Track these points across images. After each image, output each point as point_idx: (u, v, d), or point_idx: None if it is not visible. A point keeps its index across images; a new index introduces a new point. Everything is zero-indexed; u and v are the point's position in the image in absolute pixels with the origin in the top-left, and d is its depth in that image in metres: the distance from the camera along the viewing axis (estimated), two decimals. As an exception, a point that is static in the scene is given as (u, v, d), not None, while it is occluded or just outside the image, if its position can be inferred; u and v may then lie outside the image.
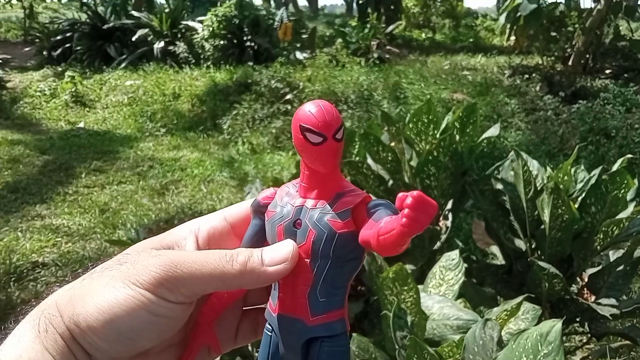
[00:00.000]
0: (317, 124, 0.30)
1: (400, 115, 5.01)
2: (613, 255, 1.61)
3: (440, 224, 1.61)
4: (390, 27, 8.52)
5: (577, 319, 1.52)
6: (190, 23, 8.28)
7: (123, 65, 7.70)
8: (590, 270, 1.52)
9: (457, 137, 1.38)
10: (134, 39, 8.11)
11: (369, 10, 9.11)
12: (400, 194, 0.26)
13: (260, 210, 0.36)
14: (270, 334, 0.34)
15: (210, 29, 7.56)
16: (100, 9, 9.92)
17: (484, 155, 3.39)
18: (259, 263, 0.32)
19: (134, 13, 9.02)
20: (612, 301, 1.35)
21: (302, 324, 0.32)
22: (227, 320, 0.38)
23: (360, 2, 10.52)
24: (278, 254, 0.32)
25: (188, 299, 0.32)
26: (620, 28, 7.65)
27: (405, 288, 1.17)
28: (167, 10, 8.49)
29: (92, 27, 8.53)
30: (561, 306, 1.49)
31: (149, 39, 8.15)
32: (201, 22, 7.93)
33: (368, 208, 0.32)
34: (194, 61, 7.79)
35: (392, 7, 10.31)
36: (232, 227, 0.38)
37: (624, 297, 1.58)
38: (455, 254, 1.28)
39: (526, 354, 0.78)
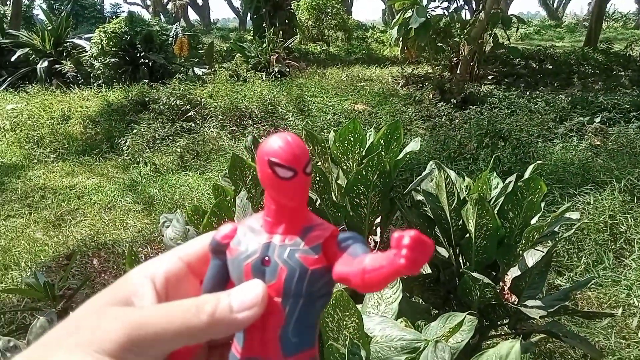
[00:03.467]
0: (287, 158, 0.29)
1: (307, 128, 5.04)
2: (527, 256, 1.70)
3: (370, 239, 1.60)
4: (289, 41, 8.58)
5: (505, 322, 1.57)
6: (77, 41, 7.80)
7: (2, 87, 7.06)
8: (513, 273, 1.58)
9: (383, 154, 1.37)
10: (13, 59, 7.48)
11: (264, 24, 9.12)
12: (396, 234, 0.25)
13: (220, 249, 0.33)
14: None
15: (100, 46, 7.15)
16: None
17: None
18: (227, 310, 0.30)
19: (12, 32, 8.31)
20: (538, 302, 1.41)
21: None
22: None
23: (255, 16, 10.50)
24: (247, 297, 0.30)
25: (156, 359, 0.29)
26: (498, 36, 8.29)
27: (347, 314, 1.14)
28: (49, 27, 7.90)
29: (-37, 47, 7.76)
30: (489, 311, 1.53)
31: (31, 58, 7.55)
32: (89, 39, 7.48)
33: (338, 242, 0.31)
34: (82, 80, 7.32)
35: (287, 21, 10.39)
36: (189, 267, 0.35)
37: (540, 295, 1.67)
38: (391, 272, 1.27)
39: (487, 375, 0.77)
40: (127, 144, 5.21)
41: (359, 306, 1.23)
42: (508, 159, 3.91)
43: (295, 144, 0.29)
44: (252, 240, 0.32)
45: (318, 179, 1.39)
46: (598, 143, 4.32)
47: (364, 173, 1.31)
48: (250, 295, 0.30)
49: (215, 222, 1.36)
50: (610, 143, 4.21)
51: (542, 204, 1.56)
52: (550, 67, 8.89)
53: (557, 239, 1.55)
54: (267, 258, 0.31)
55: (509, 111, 5.38)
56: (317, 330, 0.32)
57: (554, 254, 2.66)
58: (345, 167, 1.43)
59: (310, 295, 0.30)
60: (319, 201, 1.48)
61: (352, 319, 1.13)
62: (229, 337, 0.33)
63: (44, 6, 15.46)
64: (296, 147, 0.29)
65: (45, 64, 7.51)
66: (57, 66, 7.50)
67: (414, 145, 1.54)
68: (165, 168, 4.63)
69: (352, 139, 1.37)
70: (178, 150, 4.88)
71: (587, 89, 7.10)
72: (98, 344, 0.27)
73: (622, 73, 8.20)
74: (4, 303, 2.54)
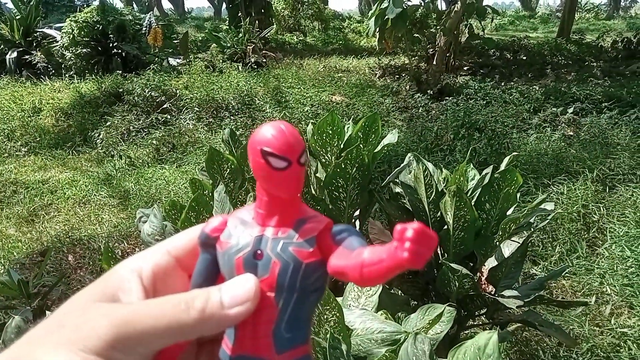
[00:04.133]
0: (281, 148, 0.28)
1: (285, 119, 5.02)
2: (503, 246, 1.72)
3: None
4: (265, 31, 8.50)
5: (483, 312, 1.60)
6: (47, 30, 7.60)
7: (-31, 79, 6.85)
8: (489, 264, 1.61)
9: (362, 146, 1.37)
10: (-21, 49, 7.27)
11: (240, 14, 9.02)
12: (398, 226, 0.24)
13: (209, 243, 0.32)
14: None
15: (71, 36, 6.98)
16: None
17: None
18: (218, 306, 0.29)
19: (-22, 21, 8.07)
20: (514, 292, 1.43)
21: None
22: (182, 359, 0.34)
23: (231, 5, 10.38)
24: (239, 292, 0.29)
25: (144, 357, 0.28)
26: (474, 27, 8.35)
27: (328, 307, 1.14)
28: (18, 17, 7.68)
29: None
30: (467, 301, 1.55)
31: (-1, 48, 7.34)
32: (59, 29, 7.30)
33: (333, 234, 0.30)
34: (53, 71, 7.15)
35: (262, 10, 10.30)
36: (177, 261, 0.33)
37: (516, 284, 1.70)
38: (371, 265, 1.27)
39: (466, 367, 0.78)
40: (100, 136, 5.12)
41: (339, 299, 1.24)
42: (484, 150, 3.96)
43: (289, 132, 0.28)
44: (243, 233, 0.31)
45: (297, 172, 1.38)
46: (571, 133, 4.40)
47: (343, 166, 1.31)
48: (242, 290, 0.29)
49: (193, 217, 1.35)
50: (582, 133, 4.29)
51: (518, 195, 1.59)
52: (524, 58, 9.00)
53: (532, 230, 1.58)
54: (259, 251, 0.30)
55: (485, 102, 5.43)
56: (310, 326, 0.31)
57: (529, 244, 2.71)
58: (323, 160, 1.43)
59: (304, 290, 0.29)
60: (298, 195, 1.48)
61: (333, 312, 1.13)
62: (219, 333, 0.32)
63: (12, -6, 14.99)
64: (290, 136, 0.28)
65: (15, 54, 7.32)
66: (26, 57, 7.32)
67: (391, 137, 1.54)
68: (140, 161, 4.56)
69: (330, 131, 1.37)
70: (154, 142, 4.81)
71: (560, 79, 7.21)
72: (83, 341, 0.26)
73: (594, 64, 8.36)
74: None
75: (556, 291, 2.39)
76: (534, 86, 6.30)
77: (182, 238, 0.34)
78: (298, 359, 0.30)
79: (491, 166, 1.56)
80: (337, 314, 1.13)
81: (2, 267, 2.76)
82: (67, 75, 7.03)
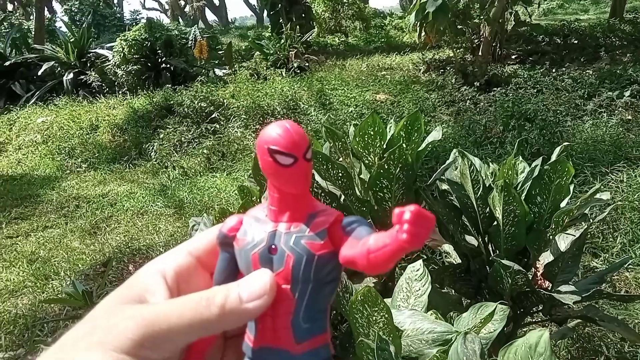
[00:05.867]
0: (287, 145, 0.29)
1: (330, 122, 5.03)
2: (559, 240, 1.66)
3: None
4: (306, 36, 8.56)
5: (539, 308, 1.55)
6: (99, 50, 7.96)
7: (32, 101, 7.28)
8: (545, 259, 1.56)
9: (405, 145, 1.36)
10: (39, 73, 7.70)
11: (281, 20, 9.12)
12: (396, 210, 0.25)
13: (227, 242, 0.33)
14: None
15: (122, 54, 7.27)
16: (-2, 45, 9.32)
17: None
18: (237, 301, 0.30)
19: (37, 46, 8.53)
20: (572, 287, 1.39)
21: (286, 354, 0.31)
22: (210, 355, 0.36)
23: (272, 12, 10.50)
24: (256, 286, 0.30)
25: (172, 353, 0.30)
26: (520, 14, 8.10)
27: (376, 309, 1.14)
28: (72, 40, 8.08)
29: (-9, 65, 8.01)
30: (522, 298, 1.51)
31: (57, 71, 7.74)
32: (111, 48, 7.62)
33: (343, 226, 0.31)
34: (107, 89, 7.47)
35: (303, 15, 10.36)
36: (198, 261, 0.35)
37: (575, 278, 1.64)
38: (419, 264, 1.27)
39: (518, 366, 0.77)
40: (154, 149, 5.31)
41: (387, 300, 1.23)
42: (536, 141, 3.83)
43: (294, 130, 0.30)
44: (258, 229, 0.32)
45: (341, 174, 1.39)
46: (629, 118, 4.19)
47: (386, 167, 1.30)
48: (259, 284, 0.30)
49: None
50: (642, 117, 4.08)
51: (572, 186, 1.53)
52: (576, 41, 8.63)
53: (590, 221, 1.52)
54: (273, 246, 0.31)
55: (535, 91, 5.26)
56: (328, 316, 0.32)
57: (588, 235, 2.60)
58: (367, 162, 1.43)
59: (319, 281, 0.31)
60: (342, 197, 1.48)
61: (382, 313, 1.13)
62: (243, 327, 0.34)
63: (66, 19, 15.80)
64: (295, 133, 0.30)
65: (71, 75, 7.70)
66: (82, 77, 7.69)
67: (435, 134, 1.53)
68: (193, 171, 4.70)
69: (372, 132, 1.37)
70: (204, 152, 4.94)
71: (615, 62, 6.87)
72: (114, 342, 0.28)
73: (652, 42, 7.92)
74: (47, 312, 2.63)
75: (619, 284, 2.29)
76: (587, 70, 6.04)
77: (202, 239, 0.36)
78: (317, 347, 0.31)
79: (540, 157, 1.51)
80: (386, 315, 1.13)
81: (69, 279, 2.90)
82: (120, 92, 7.33)
